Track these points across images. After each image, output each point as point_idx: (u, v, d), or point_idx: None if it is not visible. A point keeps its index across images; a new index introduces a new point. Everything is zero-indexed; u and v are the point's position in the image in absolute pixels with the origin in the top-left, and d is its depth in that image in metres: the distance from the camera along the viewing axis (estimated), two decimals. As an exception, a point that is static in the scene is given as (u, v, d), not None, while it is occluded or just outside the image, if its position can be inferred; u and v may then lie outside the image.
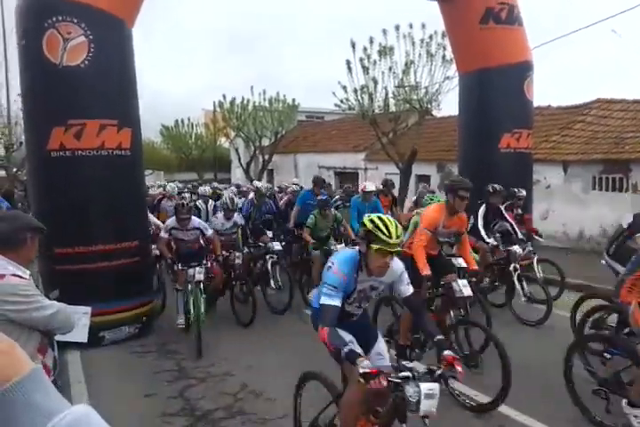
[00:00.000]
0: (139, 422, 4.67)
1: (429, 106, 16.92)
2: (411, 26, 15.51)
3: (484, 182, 8.74)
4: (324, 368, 5.36)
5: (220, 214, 8.68)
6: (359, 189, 9.56)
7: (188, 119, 34.45)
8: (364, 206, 9.41)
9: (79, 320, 3.69)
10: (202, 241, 7.80)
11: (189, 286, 6.95)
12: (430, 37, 15.37)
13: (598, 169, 14.10)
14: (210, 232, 7.60)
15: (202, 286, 6.97)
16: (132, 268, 7.14)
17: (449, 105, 24.37)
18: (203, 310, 6.76)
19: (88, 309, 4.05)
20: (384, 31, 15.70)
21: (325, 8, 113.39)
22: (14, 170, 23.21)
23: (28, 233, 2.95)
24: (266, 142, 27.76)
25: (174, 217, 7.45)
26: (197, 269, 6.85)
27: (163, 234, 7.45)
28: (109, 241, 6.93)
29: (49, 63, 6.59)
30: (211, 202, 11.59)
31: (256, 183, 12.51)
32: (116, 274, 6.95)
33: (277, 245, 8.94)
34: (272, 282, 8.69)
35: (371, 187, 9.69)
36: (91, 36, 6.68)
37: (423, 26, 15.27)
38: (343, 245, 8.54)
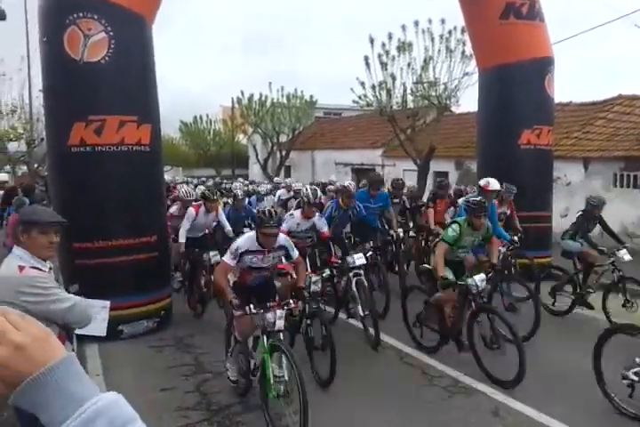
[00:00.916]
0: (155, 416, 4.70)
1: (448, 102, 16.82)
2: (430, 21, 15.44)
3: (504, 179, 8.67)
4: (342, 362, 5.38)
5: (297, 211, 7.29)
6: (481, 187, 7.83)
7: (207, 116, 34.71)
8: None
9: (98, 314, 3.73)
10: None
11: (263, 336, 4.66)
12: (450, 33, 15.29)
13: (619, 166, 13.90)
14: (296, 253, 5.24)
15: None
16: (151, 262, 7.20)
17: (468, 101, 24.19)
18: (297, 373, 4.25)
19: (107, 303, 4.09)
20: (403, 27, 15.66)
21: (344, 4, 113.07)
22: (35, 165, 23.54)
23: (20, 227, 3.00)
24: (283, 139, 27.83)
25: (250, 235, 5.04)
26: (278, 312, 4.54)
27: (228, 260, 4.91)
28: (128, 236, 6.99)
29: (70, 59, 6.65)
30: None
31: (346, 182, 10.82)
32: (134, 268, 7.01)
33: (360, 259, 6.80)
34: (360, 308, 6.72)
35: (495, 185, 7.85)
36: (111, 33, 6.72)
37: (442, 21, 15.21)
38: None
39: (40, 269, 2.92)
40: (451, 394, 5.25)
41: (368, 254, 7.36)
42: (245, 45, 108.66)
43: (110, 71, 6.80)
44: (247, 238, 5.00)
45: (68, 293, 3.11)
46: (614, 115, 16.03)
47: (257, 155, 29.31)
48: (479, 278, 5.68)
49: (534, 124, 10.25)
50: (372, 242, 8.38)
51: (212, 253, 7.62)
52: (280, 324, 4.54)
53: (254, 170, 33.57)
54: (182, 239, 7.90)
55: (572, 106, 17.84)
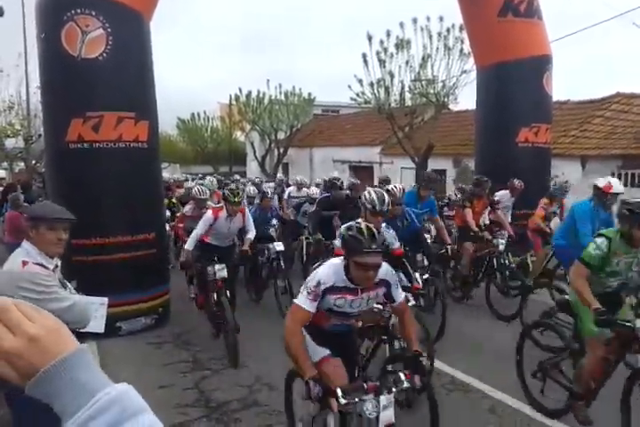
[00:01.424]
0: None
1: (446, 100, 16.82)
2: (428, 19, 15.43)
3: (502, 177, 8.67)
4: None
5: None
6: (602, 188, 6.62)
7: (204, 112, 34.60)
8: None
9: (96, 311, 3.73)
10: None
11: None
12: (448, 31, 15.28)
13: (617, 164, 13.93)
14: (401, 294, 3.70)
15: None
16: (149, 259, 7.20)
17: (466, 99, 24.24)
18: None
19: (105, 299, 4.09)
20: (401, 24, 15.62)
21: (342, 3, 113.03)
22: (33, 162, 23.49)
23: (29, 222, 3.01)
24: (281, 136, 27.81)
25: (335, 263, 3.39)
26: (383, 399, 3.11)
27: (305, 304, 3.29)
28: (126, 233, 6.98)
29: (67, 55, 6.64)
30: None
31: (390, 185, 7.38)
32: (132, 265, 7.01)
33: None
34: None
35: (618, 187, 6.77)
36: (109, 29, 6.70)
37: (441, 19, 15.19)
38: None
39: (44, 266, 2.92)
40: (448, 392, 5.27)
41: (425, 276, 6.54)
42: (244, 44, 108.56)
43: (108, 68, 6.78)
44: (332, 268, 3.32)
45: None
46: (612, 113, 16.06)
47: (255, 152, 29.31)
48: None
49: (532, 122, 10.26)
50: (425, 257, 7.19)
51: (217, 267, 6.43)
52: (388, 416, 3.04)
53: (252, 167, 33.55)
54: (189, 246, 6.68)
55: (570, 104, 17.86)
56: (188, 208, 8.71)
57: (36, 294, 2.79)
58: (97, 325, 4.43)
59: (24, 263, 2.84)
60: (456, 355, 6.01)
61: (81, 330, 3.48)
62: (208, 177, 13.87)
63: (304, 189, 12.02)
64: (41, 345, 0.80)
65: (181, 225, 8.60)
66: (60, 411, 0.79)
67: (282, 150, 27.61)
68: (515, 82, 10.15)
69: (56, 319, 0.84)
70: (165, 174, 15.38)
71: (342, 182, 11.34)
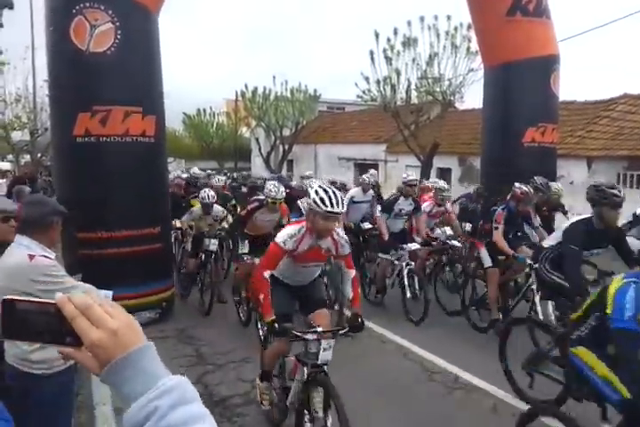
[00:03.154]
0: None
1: (452, 98, 16.80)
2: (436, 17, 15.40)
3: (507, 177, 8.64)
4: (343, 355, 5.42)
5: None
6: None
7: (210, 108, 34.59)
8: None
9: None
10: None
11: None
12: (455, 29, 15.25)
13: (623, 165, 13.91)
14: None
15: None
16: (154, 253, 7.21)
17: (472, 98, 24.12)
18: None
19: (110, 293, 4.10)
20: (408, 22, 15.60)
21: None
22: (39, 155, 23.55)
23: (54, 217, 3.04)
24: (286, 133, 27.78)
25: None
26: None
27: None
28: (132, 227, 6.99)
29: (76, 49, 6.64)
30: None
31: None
32: (137, 259, 7.02)
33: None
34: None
35: None
36: (117, 23, 6.71)
37: (448, 17, 15.18)
38: None
39: (48, 258, 2.94)
40: (450, 390, 5.28)
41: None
42: (251, 40, 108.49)
43: (116, 62, 6.78)
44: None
45: None
46: (619, 114, 16.02)
47: (260, 148, 29.27)
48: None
49: (539, 121, 10.24)
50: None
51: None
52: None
53: (257, 163, 33.55)
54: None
55: (577, 104, 17.82)
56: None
57: (50, 286, 2.84)
58: (102, 318, 4.43)
59: (30, 257, 2.86)
60: (458, 353, 6.02)
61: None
62: (217, 176, 13.45)
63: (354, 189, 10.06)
64: (119, 338, 0.93)
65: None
66: (127, 395, 0.91)
67: (287, 147, 27.60)
68: (522, 81, 10.12)
69: (129, 315, 0.97)
70: (195, 169, 15.24)
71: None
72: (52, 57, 7.08)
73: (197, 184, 12.14)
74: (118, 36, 6.73)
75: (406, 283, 7.52)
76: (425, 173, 16.94)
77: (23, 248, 2.92)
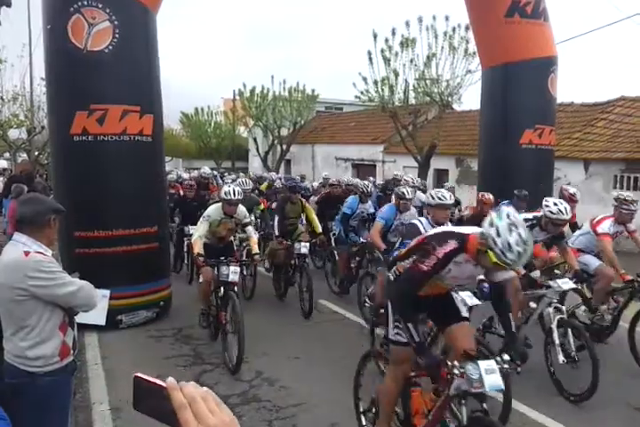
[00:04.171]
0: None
1: (450, 99, 16.81)
2: (434, 18, 15.40)
3: (504, 178, 8.67)
4: (341, 357, 5.42)
5: None
6: None
7: (208, 107, 34.56)
8: None
9: (98, 303, 3.75)
10: None
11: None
12: (453, 30, 15.25)
13: (620, 168, 13.93)
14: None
15: None
16: (151, 253, 7.20)
17: (470, 99, 24.18)
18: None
19: (107, 292, 4.12)
20: (407, 23, 15.59)
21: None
22: (36, 153, 23.49)
23: (51, 215, 3.04)
24: (284, 132, 27.78)
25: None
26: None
27: None
28: (129, 226, 6.98)
29: (73, 48, 6.63)
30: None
31: None
32: (134, 259, 7.01)
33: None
34: None
35: None
36: (115, 22, 6.70)
37: (447, 18, 15.18)
38: None
39: (44, 255, 2.95)
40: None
41: None
42: (249, 39, 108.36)
43: (114, 60, 6.78)
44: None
45: None
46: (616, 116, 16.04)
47: (257, 148, 29.26)
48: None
49: (536, 123, 10.27)
50: None
51: (303, 244, 7.78)
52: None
53: (254, 163, 33.54)
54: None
55: (574, 106, 17.84)
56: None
57: (43, 281, 2.85)
58: (98, 317, 4.45)
59: (26, 253, 2.87)
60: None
61: (83, 322, 3.51)
62: (240, 178, 11.93)
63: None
64: None
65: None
66: None
67: (284, 147, 27.59)
68: (520, 83, 10.14)
69: (230, 414, 1.01)
70: (206, 169, 14.88)
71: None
72: (49, 55, 7.07)
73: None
74: (116, 35, 6.72)
75: (557, 339, 5.11)
76: (423, 174, 16.97)
77: (20, 245, 2.93)
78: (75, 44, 6.63)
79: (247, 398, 5.00)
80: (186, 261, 9.79)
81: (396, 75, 16.55)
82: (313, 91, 27.08)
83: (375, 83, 16.98)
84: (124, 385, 4.96)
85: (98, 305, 3.61)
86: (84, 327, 5.66)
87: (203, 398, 1.00)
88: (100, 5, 6.64)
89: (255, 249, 6.65)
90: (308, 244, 7.84)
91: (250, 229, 6.84)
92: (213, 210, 6.48)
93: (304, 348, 6.29)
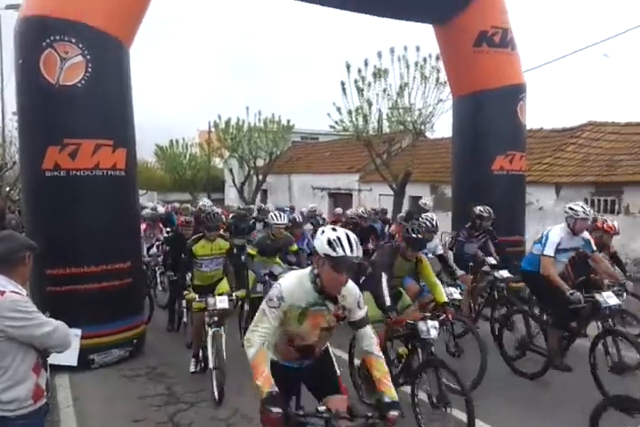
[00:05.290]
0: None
1: (423, 128, 17.05)
2: (405, 49, 15.71)
3: (478, 204, 8.71)
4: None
5: None
6: None
7: (183, 139, 34.55)
8: None
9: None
10: None
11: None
12: (424, 60, 15.56)
13: (590, 191, 14.19)
14: None
15: None
16: (125, 289, 7.04)
17: (442, 127, 24.59)
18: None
19: (78, 331, 3.97)
20: (379, 54, 15.89)
21: (321, 31, 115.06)
22: (7, 189, 23.15)
23: (25, 252, 2.98)
24: (260, 163, 27.85)
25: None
26: None
27: None
28: (102, 262, 6.83)
29: (46, 82, 6.58)
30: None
31: None
32: (107, 295, 6.84)
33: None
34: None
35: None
36: (88, 56, 6.68)
37: (417, 49, 15.48)
38: None
39: (20, 294, 2.87)
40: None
41: None
42: (223, 71, 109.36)
43: (86, 94, 6.74)
44: None
45: None
46: (584, 141, 16.42)
47: (233, 179, 29.24)
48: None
49: (507, 149, 10.43)
50: None
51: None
52: None
53: (230, 194, 33.48)
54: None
55: (544, 132, 18.24)
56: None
57: (20, 322, 2.77)
58: (70, 357, 4.28)
59: (1, 293, 2.80)
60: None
61: (54, 363, 3.38)
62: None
63: None
64: None
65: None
66: None
67: (261, 177, 27.62)
68: (490, 110, 10.33)
69: None
70: (206, 201, 12.84)
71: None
72: (21, 90, 7.00)
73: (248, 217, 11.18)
74: (89, 69, 6.70)
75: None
76: (398, 202, 17.06)
77: None
78: (47, 78, 6.58)
79: (224, 438, 4.85)
80: (185, 319, 8.12)
81: (370, 104, 16.77)
82: (288, 121, 27.31)
83: (349, 112, 17.18)
84: (97, 428, 4.79)
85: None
86: (55, 368, 5.43)
87: None
88: (73, 40, 6.63)
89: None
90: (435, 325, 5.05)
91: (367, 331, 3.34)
92: (292, 285, 3.14)
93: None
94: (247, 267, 7.61)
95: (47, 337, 2.88)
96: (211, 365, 5.82)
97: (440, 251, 7.44)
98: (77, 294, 6.67)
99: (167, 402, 5.73)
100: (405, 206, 17.81)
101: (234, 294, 6.29)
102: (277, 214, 7.32)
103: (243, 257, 8.95)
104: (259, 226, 10.78)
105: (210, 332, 5.99)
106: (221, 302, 5.94)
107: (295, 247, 7.78)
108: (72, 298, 6.59)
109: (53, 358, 3.32)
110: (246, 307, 7.68)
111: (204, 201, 12.76)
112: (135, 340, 7.22)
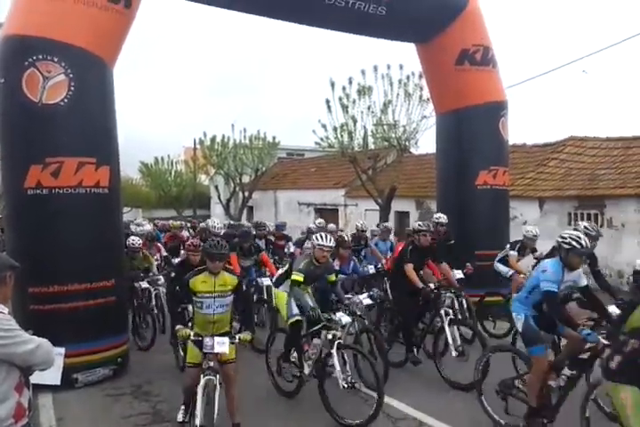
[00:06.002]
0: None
1: (407, 144, 17.22)
2: (389, 67, 15.93)
3: (463, 218, 8.81)
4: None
5: None
6: None
7: (168, 156, 34.51)
8: None
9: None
10: None
11: None
12: (408, 78, 15.78)
13: (573, 205, 14.37)
14: None
15: None
16: (108, 307, 6.99)
17: (426, 143, 24.87)
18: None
19: (62, 350, 3.94)
20: (362, 71, 16.08)
21: (306, 49, 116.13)
22: (-10, 207, 22.86)
23: (7, 271, 2.95)
24: (246, 179, 27.86)
25: None
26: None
27: None
28: (85, 280, 6.78)
29: (28, 101, 6.58)
30: None
31: None
32: (91, 314, 6.78)
33: None
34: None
35: None
36: (71, 75, 6.70)
37: (401, 67, 15.71)
38: None
39: (1, 312, 2.84)
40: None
41: None
42: (208, 88, 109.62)
43: (69, 113, 6.75)
44: None
45: None
46: (567, 155, 16.66)
47: (219, 195, 29.21)
48: None
49: (490, 165, 10.55)
50: None
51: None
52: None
53: (216, 211, 33.40)
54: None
55: (526, 147, 18.49)
56: None
57: (2, 340, 2.73)
58: (53, 376, 4.23)
59: None
60: (422, 397, 5.93)
61: (37, 382, 3.34)
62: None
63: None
64: None
65: None
66: None
67: (247, 194, 27.63)
68: (472, 127, 10.47)
69: None
70: (215, 221, 10.49)
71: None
72: (3, 109, 6.97)
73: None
74: (72, 88, 6.72)
75: None
76: (384, 217, 17.14)
77: None
78: (29, 97, 6.59)
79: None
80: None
81: (355, 121, 16.93)
82: (274, 138, 27.40)
83: (334, 129, 17.31)
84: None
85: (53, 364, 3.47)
86: (37, 387, 5.35)
87: None
88: (56, 59, 6.66)
89: None
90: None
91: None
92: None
93: (265, 403, 6.12)
94: (291, 296, 6.29)
95: (30, 354, 2.84)
96: (197, 422, 4.70)
97: None
98: (61, 312, 6.61)
99: (153, 421, 5.68)
100: (391, 221, 17.89)
101: (237, 336, 5.08)
102: (323, 235, 6.12)
103: (249, 278, 8.75)
104: (260, 243, 9.77)
105: (202, 380, 4.86)
106: (221, 346, 4.82)
107: (334, 278, 6.43)
108: (55, 316, 6.53)
109: (36, 378, 3.28)
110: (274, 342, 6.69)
111: (213, 221, 10.56)
112: (119, 358, 7.15)
